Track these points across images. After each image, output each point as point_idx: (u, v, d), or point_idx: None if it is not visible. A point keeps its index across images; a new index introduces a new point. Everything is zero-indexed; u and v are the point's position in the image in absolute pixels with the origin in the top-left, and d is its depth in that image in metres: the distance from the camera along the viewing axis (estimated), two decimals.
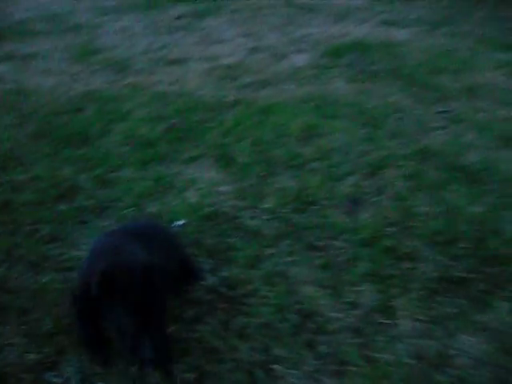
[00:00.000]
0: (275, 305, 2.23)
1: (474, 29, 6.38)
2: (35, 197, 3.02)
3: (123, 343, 1.80)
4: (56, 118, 4.06)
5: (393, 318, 2.17)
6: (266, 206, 2.92)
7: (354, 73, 4.96)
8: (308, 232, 2.70)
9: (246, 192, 3.07)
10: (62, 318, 2.15)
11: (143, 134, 3.73)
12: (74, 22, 7.13)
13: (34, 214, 2.86)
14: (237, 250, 2.58)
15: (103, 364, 1.96)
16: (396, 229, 2.68)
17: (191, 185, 3.16)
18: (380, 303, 2.25)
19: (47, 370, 1.97)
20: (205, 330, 2.11)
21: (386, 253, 2.51)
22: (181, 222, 2.65)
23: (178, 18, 7.46)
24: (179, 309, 2.20)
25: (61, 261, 2.53)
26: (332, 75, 4.92)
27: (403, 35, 6.32)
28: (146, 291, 1.74)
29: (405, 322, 2.15)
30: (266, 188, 3.10)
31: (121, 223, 2.67)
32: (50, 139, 3.70)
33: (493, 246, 2.50)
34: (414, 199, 2.94)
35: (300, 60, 5.46)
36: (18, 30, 6.79)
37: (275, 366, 1.98)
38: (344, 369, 1.96)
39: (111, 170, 3.30)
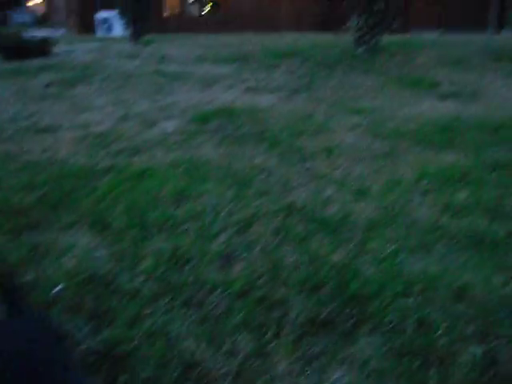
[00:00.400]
0: (157, 360, 2.31)
1: (328, 95, 7.00)
2: None
3: None
4: None
5: (270, 361, 2.33)
6: (143, 267, 3.00)
7: (220, 137, 5.23)
8: (184, 289, 2.81)
9: (122, 255, 3.13)
10: None
11: (15, 202, 3.69)
12: None
13: None
14: (116, 311, 2.63)
15: None
16: (266, 279, 2.87)
17: (67, 251, 3.16)
18: (256, 349, 2.40)
19: None
20: None
21: (258, 302, 2.68)
22: (59, 287, 2.67)
23: (47, 85, 7.44)
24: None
25: None
26: (200, 140, 5.16)
27: (266, 101, 6.78)
28: None
29: (281, 363, 2.32)
30: (142, 250, 3.18)
31: None
32: None
33: (353, 288, 2.75)
34: (282, 251, 3.16)
35: (169, 126, 5.67)
36: None
37: None
38: None
39: None
